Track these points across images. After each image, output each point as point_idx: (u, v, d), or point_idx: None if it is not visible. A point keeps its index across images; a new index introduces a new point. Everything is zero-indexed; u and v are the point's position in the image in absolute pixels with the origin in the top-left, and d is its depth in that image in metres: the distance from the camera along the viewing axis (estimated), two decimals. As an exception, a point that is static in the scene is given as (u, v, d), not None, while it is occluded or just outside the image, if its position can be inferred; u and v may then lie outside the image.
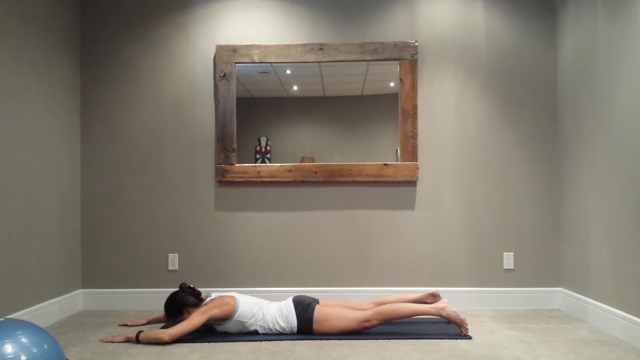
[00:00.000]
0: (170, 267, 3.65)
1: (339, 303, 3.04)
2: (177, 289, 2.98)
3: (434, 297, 3.11)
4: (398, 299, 3.05)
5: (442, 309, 2.88)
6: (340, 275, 3.64)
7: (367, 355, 2.53)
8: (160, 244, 3.67)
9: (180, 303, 2.89)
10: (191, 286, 2.97)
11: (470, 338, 2.82)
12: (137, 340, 2.73)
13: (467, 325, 2.88)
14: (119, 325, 3.15)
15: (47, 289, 3.25)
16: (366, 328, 2.86)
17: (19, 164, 2.97)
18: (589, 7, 3.19)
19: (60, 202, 3.40)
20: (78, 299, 3.60)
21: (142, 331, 2.77)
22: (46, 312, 3.19)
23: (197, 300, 2.92)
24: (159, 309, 3.43)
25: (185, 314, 2.87)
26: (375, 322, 2.84)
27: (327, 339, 2.78)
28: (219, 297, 2.88)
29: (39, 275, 3.16)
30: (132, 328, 3.07)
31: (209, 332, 2.94)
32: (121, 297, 3.62)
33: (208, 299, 2.93)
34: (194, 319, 2.74)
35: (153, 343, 2.72)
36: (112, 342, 2.78)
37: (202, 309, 2.81)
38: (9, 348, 1.78)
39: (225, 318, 2.82)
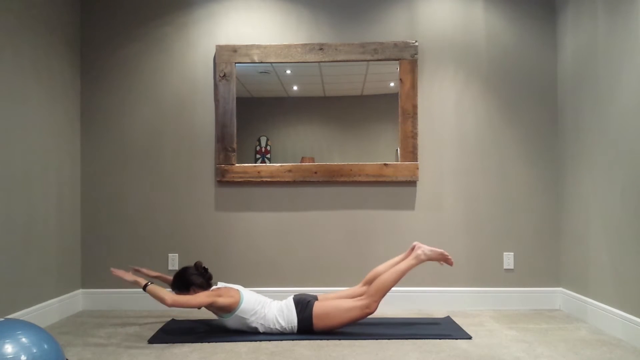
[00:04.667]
0: (170, 267, 3.64)
1: (337, 295, 3.04)
2: (190, 265, 3.02)
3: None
4: (385, 268, 3.02)
5: (418, 256, 2.96)
6: (340, 275, 3.64)
7: (367, 355, 2.53)
8: (160, 244, 3.67)
9: (189, 280, 2.94)
10: (206, 268, 3.01)
11: (470, 338, 2.82)
12: (144, 289, 2.72)
13: (449, 256, 2.98)
14: (131, 267, 3.17)
15: (47, 289, 3.25)
16: (369, 314, 2.86)
17: (19, 164, 2.97)
18: (589, 7, 3.19)
19: (60, 202, 3.40)
20: (78, 299, 3.60)
21: (152, 283, 2.75)
22: (46, 312, 3.19)
23: (207, 283, 2.97)
24: (159, 309, 3.44)
25: (190, 292, 2.90)
26: (375, 304, 2.85)
27: (327, 339, 2.77)
28: (225, 287, 2.92)
29: (39, 275, 3.16)
30: (142, 278, 2.97)
31: (210, 332, 2.95)
32: (121, 297, 3.62)
33: (214, 287, 2.97)
34: (200, 297, 2.76)
35: (156, 298, 2.70)
36: (122, 277, 2.81)
37: (208, 292, 2.84)
38: (9, 348, 1.78)
39: (228, 310, 2.83)
